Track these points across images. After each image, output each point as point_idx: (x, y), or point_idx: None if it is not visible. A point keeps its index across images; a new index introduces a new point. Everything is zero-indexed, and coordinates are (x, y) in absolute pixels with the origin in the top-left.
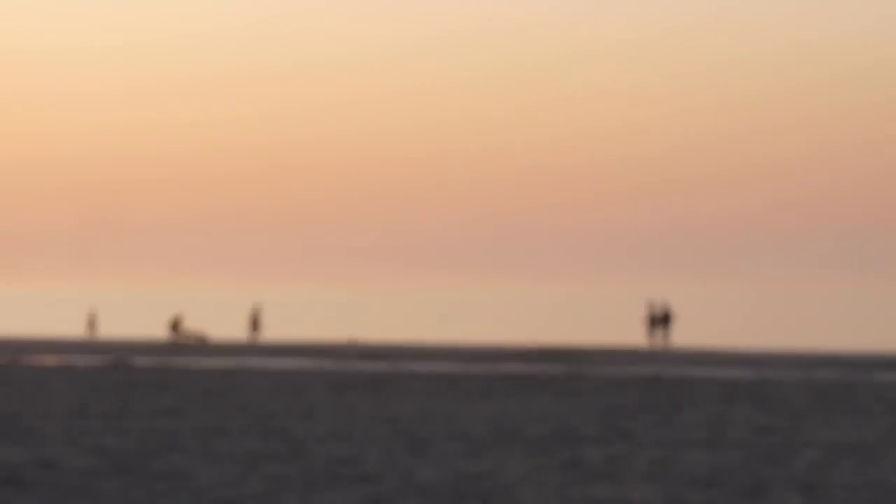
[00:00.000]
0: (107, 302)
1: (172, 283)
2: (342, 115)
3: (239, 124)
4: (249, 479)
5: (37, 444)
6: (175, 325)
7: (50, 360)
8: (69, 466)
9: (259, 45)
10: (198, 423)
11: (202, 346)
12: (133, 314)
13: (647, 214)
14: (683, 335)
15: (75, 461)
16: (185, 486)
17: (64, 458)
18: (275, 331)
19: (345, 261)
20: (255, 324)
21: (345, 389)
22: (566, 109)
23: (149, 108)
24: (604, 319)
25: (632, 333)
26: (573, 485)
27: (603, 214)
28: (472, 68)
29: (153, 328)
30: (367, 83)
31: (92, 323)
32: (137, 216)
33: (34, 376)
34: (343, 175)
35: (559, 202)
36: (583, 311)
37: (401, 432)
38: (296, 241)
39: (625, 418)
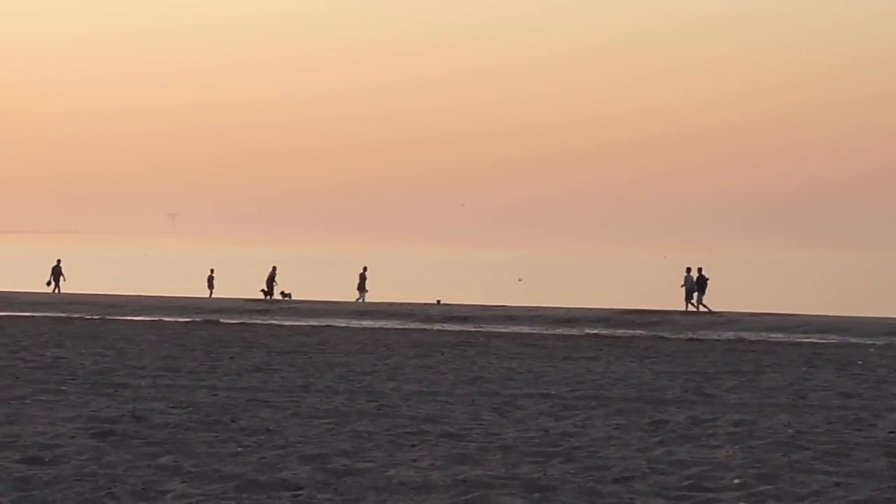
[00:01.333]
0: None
1: (283, 244)
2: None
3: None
4: (337, 435)
5: (130, 398)
6: (270, 281)
7: (143, 318)
8: (160, 421)
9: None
10: (286, 381)
11: (289, 303)
12: (248, 274)
13: (728, 182)
14: (766, 301)
15: (166, 416)
16: (273, 442)
17: (155, 413)
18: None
19: (435, 225)
20: (362, 284)
21: (431, 349)
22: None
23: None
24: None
25: (714, 298)
26: (657, 445)
27: (687, 182)
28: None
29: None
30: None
31: (210, 282)
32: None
33: (127, 333)
34: (442, 143)
35: (647, 169)
36: (664, 275)
37: (486, 392)
38: (396, 204)
39: (707, 381)
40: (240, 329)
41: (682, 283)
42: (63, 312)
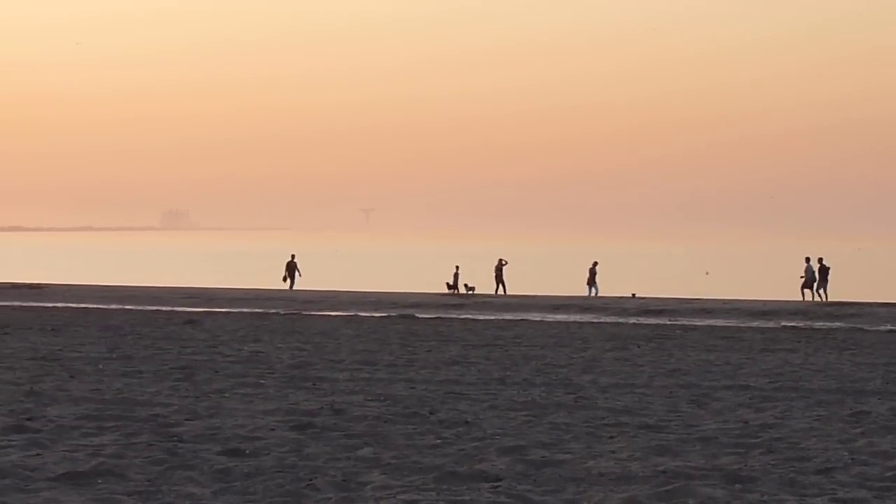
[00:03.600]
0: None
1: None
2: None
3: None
4: (535, 427)
5: (328, 392)
6: (499, 269)
7: (339, 313)
8: (359, 413)
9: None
10: (483, 374)
11: (483, 297)
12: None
13: None
14: None
15: (365, 408)
16: (471, 434)
17: (354, 406)
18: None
19: (625, 217)
20: (592, 279)
21: (627, 342)
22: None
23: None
24: (884, 275)
25: None
26: (859, 436)
27: (876, 169)
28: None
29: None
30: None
31: (455, 279)
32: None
33: (324, 328)
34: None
35: (833, 158)
36: (859, 266)
37: (684, 384)
38: (576, 198)
39: None
40: (436, 323)
41: (802, 273)
42: (260, 308)
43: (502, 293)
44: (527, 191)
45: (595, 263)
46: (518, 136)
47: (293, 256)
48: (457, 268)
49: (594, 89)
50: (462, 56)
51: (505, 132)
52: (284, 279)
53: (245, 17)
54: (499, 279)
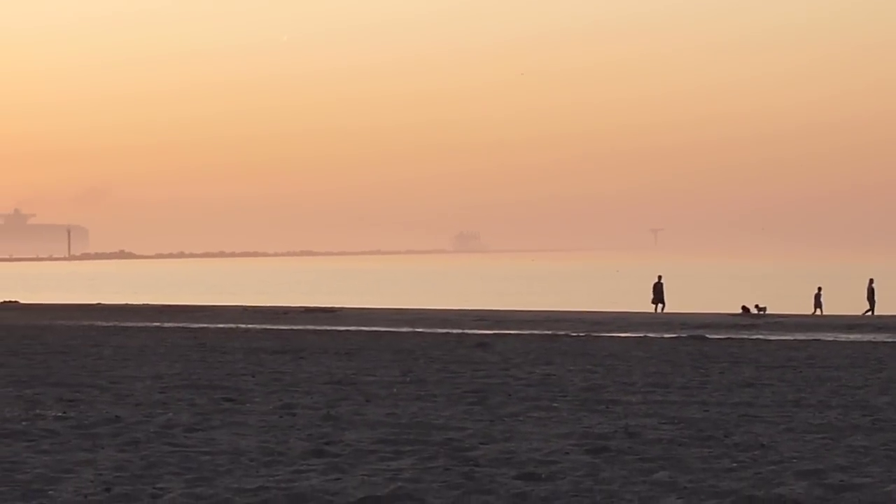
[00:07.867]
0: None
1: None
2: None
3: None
4: (832, 450)
5: (621, 415)
6: (871, 289)
7: (629, 334)
8: (653, 437)
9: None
10: (777, 396)
11: (774, 317)
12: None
13: None
14: None
15: (659, 432)
16: (768, 457)
17: (648, 429)
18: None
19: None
20: (871, 298)
21: None
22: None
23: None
24: None
25: None
26: None
27: None
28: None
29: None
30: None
31: (817, 300)
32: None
33: (614, 350)
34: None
35: None
36: None
37: None
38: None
39: None
40: (727, 344)
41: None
42: (549, 330)
43: (870, 314)
44: (811, 206)
45: (871, 280)
46: (804, 151)
47: (660, 277)
48: (819, 289)
49: (871, 100)
50: (745, 79)
51: (793, 146)
52: (653, 302)
53: (544, 51)
54: (871, 299)
